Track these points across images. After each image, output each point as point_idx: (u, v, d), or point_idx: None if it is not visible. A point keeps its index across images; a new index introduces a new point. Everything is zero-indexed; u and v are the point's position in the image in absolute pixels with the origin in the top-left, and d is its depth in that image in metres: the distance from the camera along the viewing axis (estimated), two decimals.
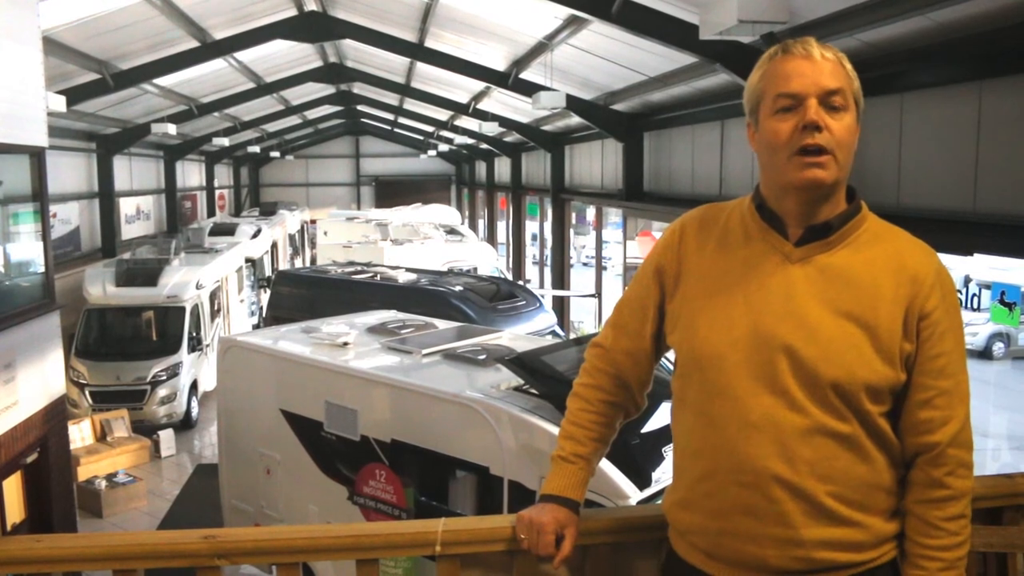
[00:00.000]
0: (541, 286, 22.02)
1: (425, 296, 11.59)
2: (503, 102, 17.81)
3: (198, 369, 14.95)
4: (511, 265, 25.22)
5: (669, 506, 2.00)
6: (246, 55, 16.67)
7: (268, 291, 17.80)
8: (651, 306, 2.02)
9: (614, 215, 22.15)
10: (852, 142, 1.78)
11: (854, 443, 1.76)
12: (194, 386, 14.78)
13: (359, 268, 14.31)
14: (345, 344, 7.20)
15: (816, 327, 1.76)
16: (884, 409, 1.79)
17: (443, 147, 32.31)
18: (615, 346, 2.09)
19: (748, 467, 1.77)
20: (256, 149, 31.44)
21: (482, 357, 6.60)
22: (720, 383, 1.81)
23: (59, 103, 11.68)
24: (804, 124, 1.73)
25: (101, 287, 14.52)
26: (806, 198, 1.79)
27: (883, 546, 1.84)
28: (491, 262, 19.05)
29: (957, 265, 12.39)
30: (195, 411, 14.79)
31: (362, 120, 33.26)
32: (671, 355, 2.06)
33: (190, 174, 28.51)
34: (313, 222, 30.23)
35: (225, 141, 25.08)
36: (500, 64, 14.52)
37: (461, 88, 18.52)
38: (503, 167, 27.53)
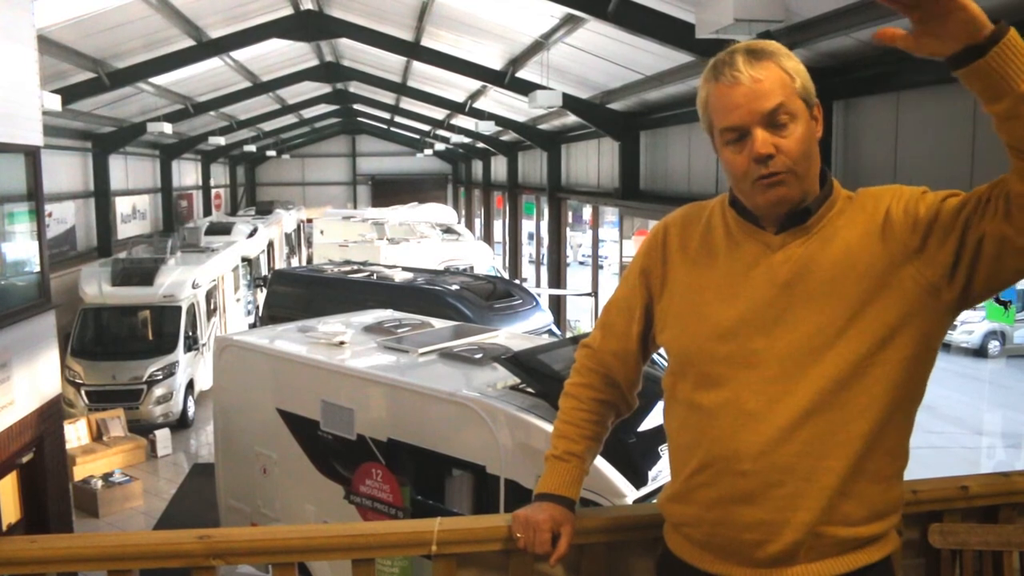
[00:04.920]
0: (537, 285, 22.03)
1: (421, 295, 11.56)
2: (499, 101, 17.80)
3: (194, 368, 14.93)
4: (507, 264, 25.22)
5: (664, 501, 2.01)
6: (242, 54, 16.65)
7: (264, 290, 17.78)
8: (637, 307, 2.05)
9: (610, 214, 22.16)
10: (809, 148, 1.77)
11: (849, 420, 1.75)
12: (190, 385, 14.77)
13: (355, 267, 14.30)
14: (341, 343, 7.19)
15: (802, 311, 1.77)
16: (890, 366, 1.74)
17: (439, 146, 32.29)
18: (603, 347, 2.13)
19: (743, 455, 1.78)
20: (252, 148, 31.41)
21: (478, 356, 6.59)
22: (712, 375, 1.83)
23: (54, 102, 11.66)
24: (754, 159, 1.74)
25: (97, 286, 14.49)
26: (776, 212, 1.81)
27: (882, 521, 1.82)
28: (487, 261, 19.03)
29: None
30: (191, 410, 14.77)
31: (358, 119, 33.24)
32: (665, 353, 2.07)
33: (186, 173, 28.47)
34: (309, 221, 30.21)
35: (221, 140, 25.05)
36: (496, 63, 14.51)
37: (457, 87, 18.52)
38: (499, 166, 27.52)
